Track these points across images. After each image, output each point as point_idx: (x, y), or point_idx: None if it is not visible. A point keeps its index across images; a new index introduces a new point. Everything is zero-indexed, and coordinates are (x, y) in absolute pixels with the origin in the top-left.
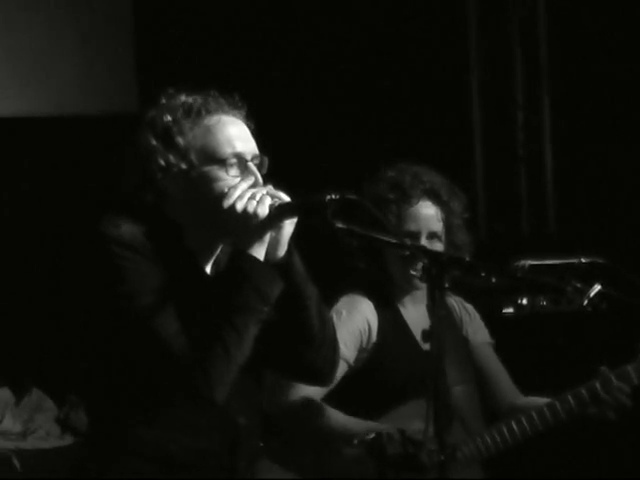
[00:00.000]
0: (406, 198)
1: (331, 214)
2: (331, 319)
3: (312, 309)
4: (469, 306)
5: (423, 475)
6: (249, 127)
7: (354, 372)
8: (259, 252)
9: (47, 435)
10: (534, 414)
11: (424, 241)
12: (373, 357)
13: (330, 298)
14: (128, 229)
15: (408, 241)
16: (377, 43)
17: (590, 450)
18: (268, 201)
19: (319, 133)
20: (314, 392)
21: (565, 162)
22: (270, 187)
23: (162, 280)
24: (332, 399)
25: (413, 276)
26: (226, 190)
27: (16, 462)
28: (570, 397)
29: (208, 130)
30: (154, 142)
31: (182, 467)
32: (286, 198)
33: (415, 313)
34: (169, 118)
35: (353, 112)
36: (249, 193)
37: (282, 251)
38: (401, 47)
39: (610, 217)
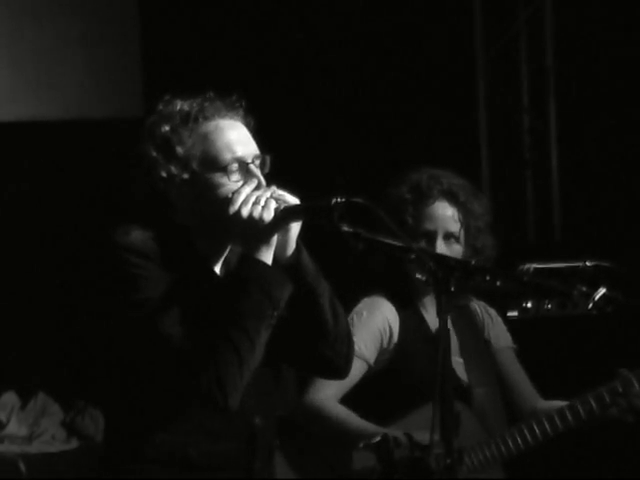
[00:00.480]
0: (423, 198)
1: (337, 217)
2: (344, 313)
3: (324, 305)
4: (492, 311)
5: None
6: (248, 125)
7: (375, 373)
8: (267, 256)
9: (53, 439)
10: (555, 415)
11: (440, 241)
12: (394, 358)
13: (352, 300)
14: (138, 236)
15: (415, 245)
16: (383, 47)
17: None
18: (273, 205)
19: (326, 138)
20: (333, 392)
21: (571, 166)
22: (274, 188)
23: (173, 285)
24: (351, 399)
25: (419, 279)
26: (230, 196)
27: (22, 466)
28: (591, 398)
29: (206, 137)
30: (154, 154)
31: (200, 470)
32: (291, 199)
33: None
34: (167, 128)
35: (359, 116)
36: (253, 197)
37: (290, 250)
38: (407, 51)
39: (616, 221)
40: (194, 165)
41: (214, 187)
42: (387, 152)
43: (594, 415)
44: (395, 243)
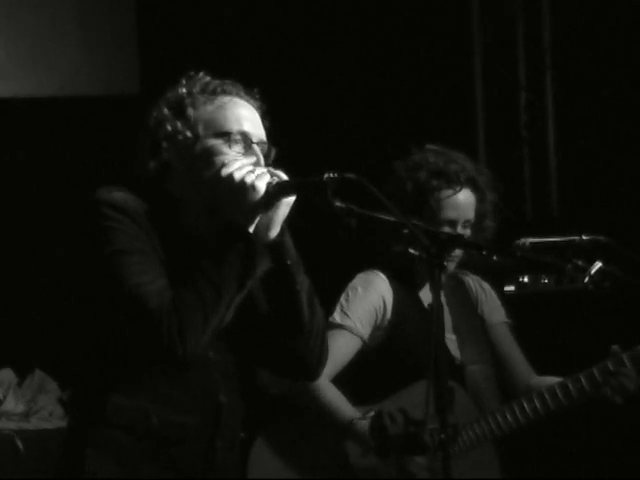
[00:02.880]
0: (451, 185)
1: (330, 193)
2: (322, 315)
3: (302, 294)
4: (486, 285)
5: (425, 454)
6: (263, 122)
7: (370, 350)
8: (249, 226)
9: (50, 416)
10: (545, 393)
11: (460, 228)
12: (388, 335)
13: (348, 276)
14: (122, 195)
15: (406, 219)
16: (381, 25)
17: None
18: (267, 177)
19: (322, 115)
20: (327, 371)
21: (568, 142)
22: (270, 168)
23: (151, 246)
24: (345, 376)
25: (412, 254)
26: (226, 162)
27: (19, 443)
28: (582, 377)
29: (220, 107)
30: (165, 111)
31: (161, 440)
32: (285, 178)
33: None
34: (184, 91)
35: (354, 93)
36: (249, 167)
37: (275, 232)
38: (404, 29)
39: (613, 196)
40: (200, 128)
41: (214, 152)
42: (384, 130)
43: (585, 394)
44: (389, 218)
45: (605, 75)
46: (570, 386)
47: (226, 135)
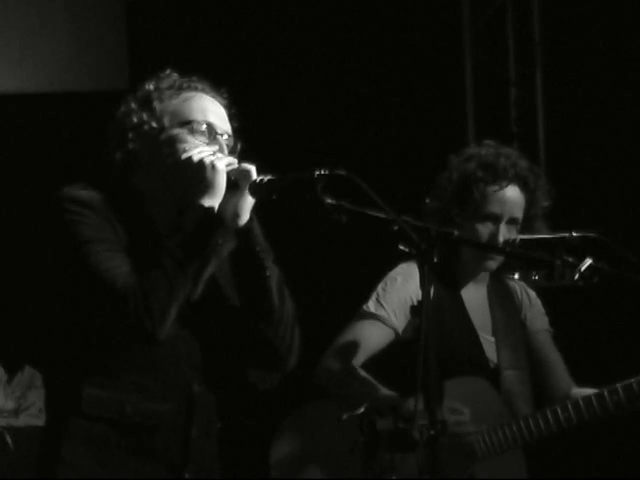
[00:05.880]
0: (497, 179)
1: (320, 189)
2: (293, 306)
3: (272, 281)
4: (532, 292)
5: (413, 451)
6: (230, 119)
7: (403, 342)
8: (213, 204)
9: (39, 412)
10: (581, 402)
11: (504, 225)
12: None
13: (389, 265)
14: (87, 192)
15: (396, 216)
16: (370, 19)
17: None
18: (227, 161)
19: (313, 107)
20: (356, 359)
21: (558, 138)
22: (239, 161)
23: (116, 237)
24: (375, 367)
25: (402, 251)
26: (188, 149)
27: (9, 439)
28: (620, 389)
29: (186, 99)
30: (133, 105)
31: (136, 428)
32: (250, 168)
33: (475, 294)
34: (151, 87)
35: (345, 90)
36: (210, 151)
37: (244, 220)
38: (394, 24)
39: (603, 192)
40: (165, 120)
41: (178, 140)
42: (374, 125)
43: (622, 407)
44: (378, 215)
45: (595, 71)
46: (607, 398)
47: (190, 124)
